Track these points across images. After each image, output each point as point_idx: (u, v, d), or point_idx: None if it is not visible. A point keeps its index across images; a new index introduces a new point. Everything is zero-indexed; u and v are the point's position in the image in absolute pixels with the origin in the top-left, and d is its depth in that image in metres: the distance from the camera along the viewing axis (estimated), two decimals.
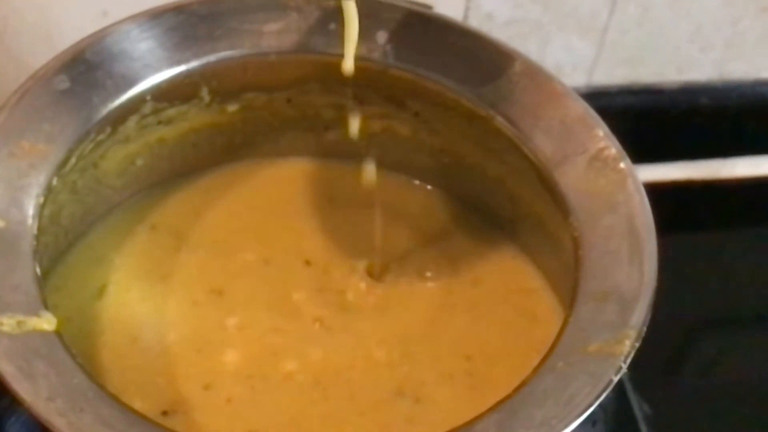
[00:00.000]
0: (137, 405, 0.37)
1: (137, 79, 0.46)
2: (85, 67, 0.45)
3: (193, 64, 0.47)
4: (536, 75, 0.48)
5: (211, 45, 0.47)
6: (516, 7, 0.64)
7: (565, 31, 0.66)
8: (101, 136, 0.46)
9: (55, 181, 0.43)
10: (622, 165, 0.45)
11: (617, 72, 0.69)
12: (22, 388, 0.36)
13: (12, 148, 0.42)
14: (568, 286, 0.42)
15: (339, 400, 0.45)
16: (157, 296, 0.47)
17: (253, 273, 0.49)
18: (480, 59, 0.48)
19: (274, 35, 0.48)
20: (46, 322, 0.38)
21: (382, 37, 0.49)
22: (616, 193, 0.44)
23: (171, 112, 0.49)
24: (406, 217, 0.52)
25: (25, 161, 0.42)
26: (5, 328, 0.37)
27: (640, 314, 0.40)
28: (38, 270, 0.40)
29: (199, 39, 0.47)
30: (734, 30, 0.68)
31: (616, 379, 0.38)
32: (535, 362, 0.39)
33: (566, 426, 0.37)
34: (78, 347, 0.39)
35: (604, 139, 0.45)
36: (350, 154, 0.52)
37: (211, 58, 0.47)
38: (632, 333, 0.39)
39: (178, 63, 0.47)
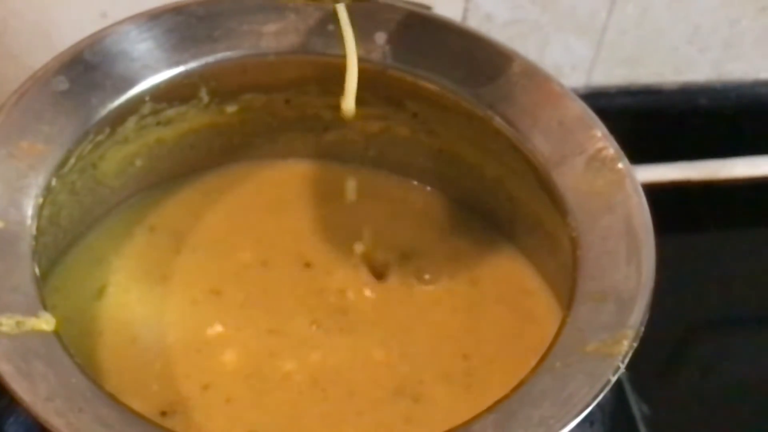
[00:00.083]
0: (136, 405, 0.37)
1: (136, 79, 0.46)
2: (84, 68, 0.45)
3: (192, 64, 0.47)
4: (535, 75, 0.48)
5: (210, 46, 0.47)
6: (515, 7, 0.64)
7: (564, 32, 0.66)
8: (100, 137, 0.46)
9: (54, 182, 0.43)
10: (620, 165, 0.45)
11: (616, 72, 0.69)
12: (20, 388, 0.36)
13: (11, 148, 0.42)
14: (566, 287, 0.42)
15: (338, 399, 0.45)
16: (156, 297, 0.47)
17: (251, 274, 0.49)
18: (478, 60, 0.48)
19: (273, 36, 0.48)
20: (45, 323, 0.38)
21: (380, 37, 0.49)
22: (614, 193, 0.44)
23: (170, 112, 0.49)
24: (404, 217, 0.52)
25: (24, 162, 0.42)
26: (4, 329, 0.37)
27: (638, 314, 0.40)
28: (37, 271, 0.40)
29: (197, 40, 0.47)
30: (733, 31, 0.68)
31: (613, 379, 0.38)
32: (533, 362, 0.39)
33: (564, 426, 0.37)
34: (77, 348, 0.39)
35: (602, 139, 0.45)
36: (349, 155, 0.52)
37: (210, 58, 0.47)
38: (630, 333, 0.39)
39: (177, 64, 0.47)
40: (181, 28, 0.47)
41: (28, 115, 0.43)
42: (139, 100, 0.46)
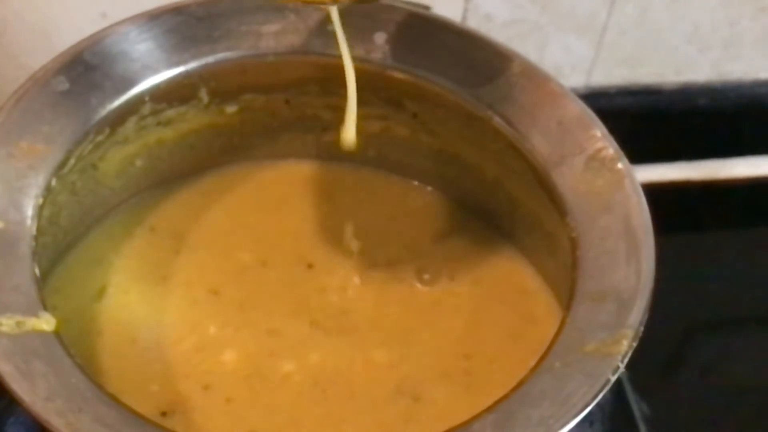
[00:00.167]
0: (136, 405, 0.37)
1: (136, 80, 0.46)
2: (84, 69, 0.45)
3: (192, 65, 0.47)
4: (534, 76, 0.48)
5: (210, 46, 0.47)
6: (514, 8, 0.64)
7: (564, 32, 0.66)
8: (100, 137, 0.46)
9: (54, 182, 0.43)
10: (619, 165, 0.45)
11: (616, 73, 0.69)
12: (20, 388, 0.36)
13: (11, 149, 0.42)
14: (566, 287, 0.42)
15: (338, 399, 0.45)
16: (156, 297, 0.48)
17: (251, 274, 0.49)
18: (478, 60, 0.48)
19: (273, 36, 0.48)
20: (45, 323, 0.38)
21: (380, 38, 0.49)
22: (614, 193, 0.44)
23: (170, 113, 0.49)
24: (404, 218, 0.52)
25: (24, 162, 0.42)
26: (4, 329, 0.37)
27: (637, 314, 0.40)
28: (37, 271, 0.40)
29: (197, 40, 0.47)
30: (732, 31, 0.68)
31: (613, 379, 0.38)
32: (533, 362, 0.39)
33: (563, 426, 0.37)
34: (77, 348, 0.40)
35: (601, 139, 0.46)
36: (349, 155, 0.52)
37: (210, 59, 0.47)
38: (629, 333, 0.39)
39: (177, 64, 0.47)
40: (180, 29, 0.47)
41: (28, 115, 0.43)
42: (138, 100, 0.46)
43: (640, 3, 0.65)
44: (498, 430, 0.37)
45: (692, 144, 0.70)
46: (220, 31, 0.48)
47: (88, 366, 0.42)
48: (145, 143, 0.49)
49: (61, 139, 0.43)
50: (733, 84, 0.72)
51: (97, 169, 0.47)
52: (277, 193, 0.52)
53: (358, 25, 0.47)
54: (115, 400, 0.37)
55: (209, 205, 0.52)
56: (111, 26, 0.46)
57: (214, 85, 0.49)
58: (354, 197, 0.52)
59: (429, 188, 0.53)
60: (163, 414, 0.43)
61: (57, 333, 0.38)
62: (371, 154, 0.53)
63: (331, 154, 0.53)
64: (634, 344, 0.39)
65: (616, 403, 0.46)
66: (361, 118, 0.50)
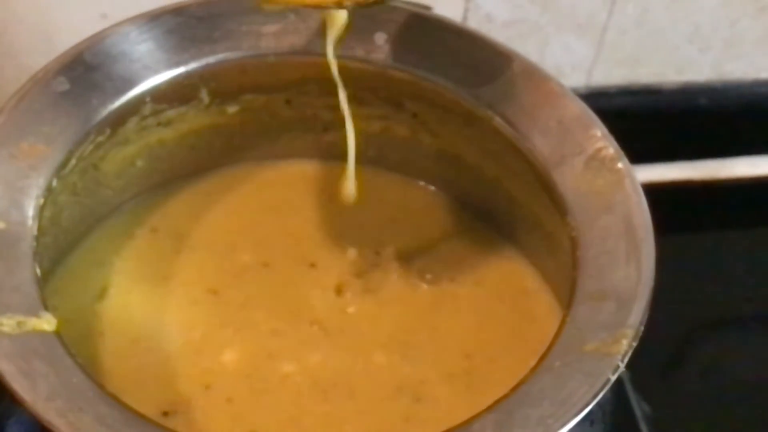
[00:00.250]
0: (138, 405, 0.37)
1: (136, 80, 0.46)
2: (85, 69, 0.45)
3: (192, 65, 0.47)
4: (534, 75, 0.48)
5: (210, 46, 0.48)
6: (515, 8, 0.64)
7: (564, 32, 0.66)
8: (101, 138, 0.46)
9: (54, 183, 0.43)
10: (619, 165, 0.45)
11: (616, 72, 0.69)
12: (21, 387, 0.36)
13: (12, 149, 0.42)
14: (566, 286, 0.42)
15: (339, 399, 0.45)
16: (157, 298, 0.48)
17: (252, 274, 0.49)
18: (478, 60, 0.48)
19: (273, 36, 0.48)
20: (46, 323, 0.38)
21: (380, 38, 0.49)
22: (614, 193, 0.44)
23: (170, 113, 0.49)
24: (405, 218, 0.52)
25: (25, 163, 0.42)
26: (5, 329, 0.37)
27: (637, 314, 0.40)
28: (38, 271, 0.40)
29: (197, 41, 0.47)
30: (733, 30, 0.68)
31: (613, 378, 0.38)
32: (534, 362, 0.39)
33: (563, 425, 0.37)
34: (79, 349, 0.39)
35: (601, 139, 0.46)
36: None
37: (210, 59, 0.48)
38: (629, 332, 0.39)
39: (177, 64, 0.47)
40: (181, 29, 0.47)
41: (28, 116, 0.43)
42: (139, 101, 0.46)
43: (641, 3, 0.65)
44: (498, 429, 0.37)
45: (692, 144, 0.70)
46: (221, 32, 0.48)
47: (89, 366, 0.42)
48: (145, 144, 0.49)
49: (61, 139, 0.43)
50: (734, 84, 0.72)
51: (98, 169, 0.47)
52: (277, 194, 0.52)
53: (358, 25, 0.47)
54: (116, 400, 0.37)
55: (210, 205, 0.52)
56: (111, 27, 0.46)
57: (215, 86, 0.49)
58: (355, 197, 0.52)
59: (429, 188, 0.53)
60: (165, 414, 0.43)
61: (58, 333, 0.38)
62: (372, 154, 0.53)
63: (332, 154, 0.53)
64: (634, 344, 0.39)
65: (616, 402, 0.46)
66: (361, 118, 0.50)
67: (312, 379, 0.45)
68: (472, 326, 0.48)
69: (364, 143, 0.51)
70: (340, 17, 0.46)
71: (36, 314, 0.38)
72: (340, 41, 0.47)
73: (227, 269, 0.49)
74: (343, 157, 0.52)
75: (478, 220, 0.52)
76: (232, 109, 0.50)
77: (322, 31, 0.47)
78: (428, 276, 0.50)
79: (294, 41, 0.48)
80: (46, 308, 0.39)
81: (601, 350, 0.39)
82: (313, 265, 0.50)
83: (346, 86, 0.47)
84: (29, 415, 0.36)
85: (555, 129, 0.46)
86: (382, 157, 0.53)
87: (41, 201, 0.42)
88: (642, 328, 0.40)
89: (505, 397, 0.38)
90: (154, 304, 0.47)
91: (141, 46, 0.46)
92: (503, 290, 0.49)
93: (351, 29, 0.46)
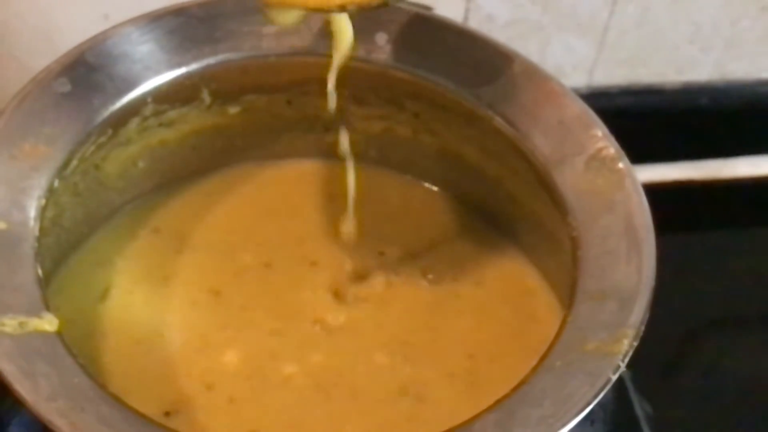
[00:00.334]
0: (140, 406, 0.37)
1: (138, 81, 0.46)
2: (86, 70, 0.45)
3: (194, 66, 0.47)
4: (535, 75, 0.48)
5: (211, 47, 0.48)
6: (516, 8, 0.64)
7: (565, 32, 0.66)
8: (102, 139, 0.46)
9: (56, 184, 0.43)
10: (620, 165, 0.45)
11: (617, 72, 0.69)
12: (23, 388, 0.36)
13: (13, 150, 0.42)
14: (567, 286, 0.42)
15: (341, 399, 0.45)
16: (159, 298, 0.48)
17: (254, 274, 0.49)
18: (479, 60, 0.48)
19: (274, 37, 0.48)
20: (48, 323, 0.38)
21: (381, 38, 0.49)
22: (615, 192, 0.44)
23: (172, 114, 0.49)
24: (406, 218, 0.52)
25: (27, 163, 0.42)
26: (7, 329, 0.37)
27: (638, 313, 0.40)
28: (40, 271, 0.40)
29: (199, 41, 0.47)
30: (734, 30, 0.68)
31: (614, 378, 0.38)
32: (535, 361, 0.39)
33: (564, 425, 0.37)
34: (81, 349, 0.39)
35: (602, 139, 0.46)
36: (350, 154, 0.52)
37: (212, 60, 0.48)
38: (630, 332, 0.39)
39: (179, 65, 0.47)
40: (182, 30, 0.47)
41: (30, 116, 0.43)
42: (141, 101, 0.47)
43: (642, 2, 0.65)
44: (499, 429, 0.37)
45: (694, 144, 0.70)
46: (222, 32, 0.48)
47: (91, 366, 0.42)
48: (147, 144, 0.49)
49: (63, 140, 0.43)
50: (735, 84, 0.72)
51: (99, 170, 0.47)
52: (279, 194, 0.52)
53: (359, 25, 0.47)
54: (117, 400, 0.37)
55: (212, 205, 0.52)
56: (113, 28, 0.46)
57: (216, 86, 0.49)
58: (356, 197, 0.52)
59: (431, 188, 0.53)
60: (166, 414, 0.43)
61: (59, 333, 0.38)
62: (373, 155, 0.53)
63: (333, 153, 0.53)
64: (635, 343, 0.39)
65: (617, 402, 0.46)
66: (362, 118, 0.50)
67: (313, 380, 0.45)
68: (473, 326, 0.48)
69: (366, 143, 0.52)
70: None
71: (38, 315, 0.38)
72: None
73: (229, 269, 0.49)
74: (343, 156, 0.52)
75: (479, 220, 0.52)
76: (233, 109, 0.50)
77: (328, 39, 0.47)
78: (430, 276, 0.50)
79: (295, 41, 0.48)
80: (48, 309, 0.39)
81: (602, 350, 0.39)
82: (314, 265, 0.50)
83: (346, 86, 0.48)
84: (31, 415, 0.36)
85: (556, 129, 0.46)
86: (383, 157, 0.53)
87: (43, 202, 0.42)
88: (643, 328, 0.40)
89: (506, 396, 0.38)
90: (155, 304, 0.47)
91: (142, 47, 0.46)
92: (504, 290, 0.49)
93: (353, 29, 0.46)
